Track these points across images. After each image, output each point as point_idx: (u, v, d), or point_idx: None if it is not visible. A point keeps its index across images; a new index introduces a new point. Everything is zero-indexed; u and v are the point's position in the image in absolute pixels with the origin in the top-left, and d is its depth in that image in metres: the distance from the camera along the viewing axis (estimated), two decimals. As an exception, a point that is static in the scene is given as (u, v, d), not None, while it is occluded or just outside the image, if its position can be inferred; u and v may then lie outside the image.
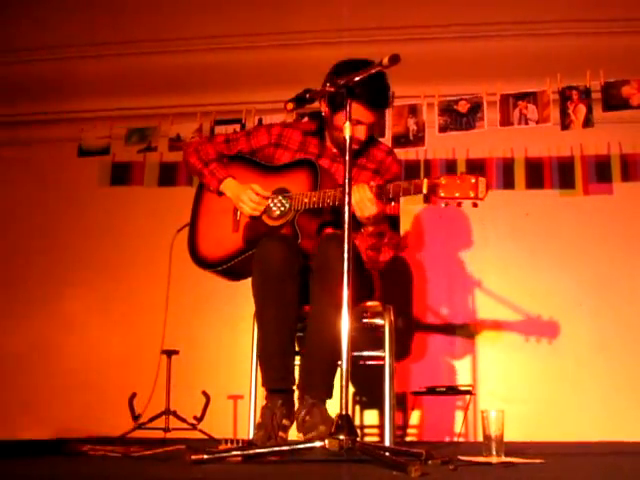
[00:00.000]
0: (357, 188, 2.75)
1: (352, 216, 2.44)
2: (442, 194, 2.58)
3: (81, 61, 5.05)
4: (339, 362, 2.32)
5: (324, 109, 3.00)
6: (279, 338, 2.79)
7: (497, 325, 4.46)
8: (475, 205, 2.57)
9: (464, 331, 4.54)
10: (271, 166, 3.10)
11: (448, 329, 4.58)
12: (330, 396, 2.72)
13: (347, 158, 2.41)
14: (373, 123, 3.00)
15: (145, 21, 5.05)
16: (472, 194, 2.54)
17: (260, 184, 3.02)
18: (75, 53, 5.05)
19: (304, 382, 2.75)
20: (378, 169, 3.10)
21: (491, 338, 4.49)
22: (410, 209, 4.62)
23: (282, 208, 2.98)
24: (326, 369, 2.72)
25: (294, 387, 2.81)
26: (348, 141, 2.42)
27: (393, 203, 3.00)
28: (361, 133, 2.96)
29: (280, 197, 2.99)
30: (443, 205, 2.62)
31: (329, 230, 2.98)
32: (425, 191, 2.65)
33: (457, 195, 2.55)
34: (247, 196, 2.99)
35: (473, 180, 2.54)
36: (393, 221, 3.06)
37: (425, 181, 2.64)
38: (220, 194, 3.08)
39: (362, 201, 2.75)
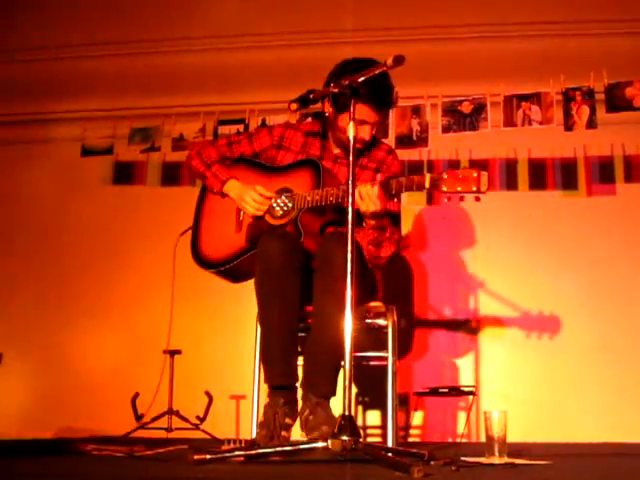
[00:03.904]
0: (362, 185, 2.74)
1: (356, 213, 2.43)
2: (444, 188, 2.58)
3: (84, 60, 5.05)
4: (342, 362, 2.32)
5: (328, 109, 2.99)
6: (281, 333, 2.79)
7: (499, 325, 4.46)
8: (478, 199, 2.56)
9: (466, 330, 4.54)
10: (274, 167, 3.10)
11: (450, 328, 4.58)
12: (334, 394, 2.72)
13: (350, 158, 2.40)
14: (377, 123, 3.00)
15: (149, 20, 5.04)
16: (474, 188, 2.54)
17: (263, 185, 3.01)
18: (78, 52, 5.05)
19: (307, 381, 2.75)
20: (379, 168, 3.09)
21: (493, 338, 4.49)
22: (412, 209, 4.61)
23: (285, 207, 2.98)
24: (330, 368, 2.72)
25: (297, 384, 2.80)
26: (352, 141, 2.41)
27: (395, 200, 3.00)
28: (366, 133, 2.96)
29: (283, 196, 2.99)
30: (446, 200, 2.62)
31: (332, 229, 2.98)
32: (428, 186, 2.65)
33: (459, 189, 2.55)
34: (250, 196, 2.99)
35: (475, 174, 2.54)
36: (394, 218, 3.05)
37: (428, 176, 2.64)
38: (223, 196, 3.08)
39: (367, 196, 2.75)
